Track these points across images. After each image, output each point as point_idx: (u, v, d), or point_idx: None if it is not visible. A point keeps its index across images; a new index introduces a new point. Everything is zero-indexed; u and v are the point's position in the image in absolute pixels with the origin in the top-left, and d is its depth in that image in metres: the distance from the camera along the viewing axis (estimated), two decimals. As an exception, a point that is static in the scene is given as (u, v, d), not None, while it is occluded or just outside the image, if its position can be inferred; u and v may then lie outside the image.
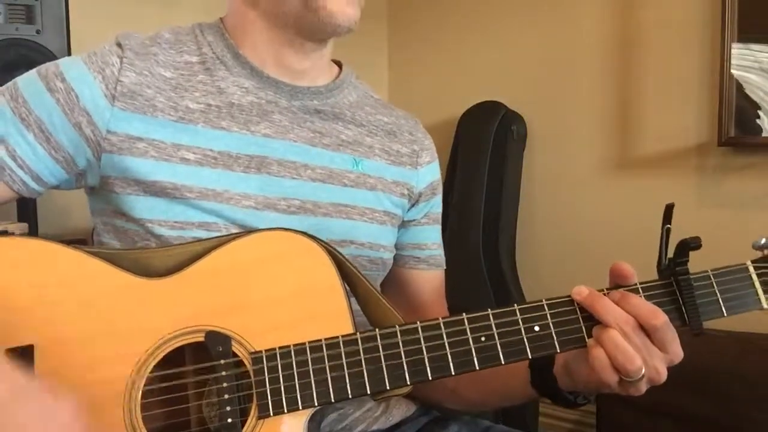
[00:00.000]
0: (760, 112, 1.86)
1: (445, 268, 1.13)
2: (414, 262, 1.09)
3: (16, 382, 0.68)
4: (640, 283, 0.80)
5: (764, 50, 1.85)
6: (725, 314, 0.79)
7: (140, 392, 0.76)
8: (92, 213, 0.99)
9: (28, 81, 0.91)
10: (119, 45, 0.92)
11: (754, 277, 0.80)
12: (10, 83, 0.92)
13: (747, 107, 1.88)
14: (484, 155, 2.34)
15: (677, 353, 0.78)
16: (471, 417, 1.08)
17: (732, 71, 1.88)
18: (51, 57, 1.67)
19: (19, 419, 0.65)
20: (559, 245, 2.34)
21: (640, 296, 0.79)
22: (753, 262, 0.81)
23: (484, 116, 2.37)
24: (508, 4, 2.43)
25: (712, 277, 0.80)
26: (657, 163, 2.10)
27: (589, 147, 2.25)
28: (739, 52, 1.87)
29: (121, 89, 0.89)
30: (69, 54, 1.72)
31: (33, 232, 1.77)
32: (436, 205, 1.12)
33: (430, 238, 1.11)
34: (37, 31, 1.70)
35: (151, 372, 0.77)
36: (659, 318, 0.76)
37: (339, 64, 1.07)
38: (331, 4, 0.91)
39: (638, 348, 0.76)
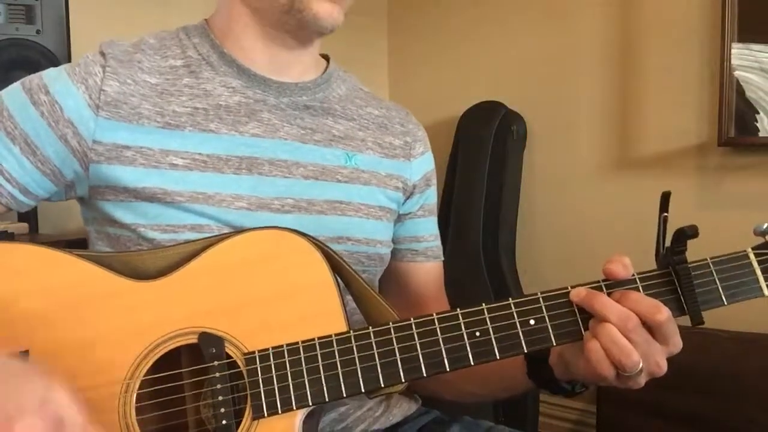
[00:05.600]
0: (760, 112, 1.86)
1: (443, 259, 1.13)
2: (412, 255, 1.09)
3: (12, 364, 0.68)
4: (638, 274, 0.79)
5: (764, 50, 1.84)
6: (725, 303, 0.78)
7: (134, 396, 0.76)
8: (85, 222, 0.99)
9: (12, 94, 0.91)
10: (102, 54, 0.92)
11: (755, 264, 0.79)
12: None
13: (747, 107, 1.87)
14: (484, 155, 2.34)
15: (677, 344, 0.78)
16: (472, 418, 1.08)
17: (732, 71, 1.88)
18: (51, 57, 1.68)
19: (16, 397, 0.64)
20: (559, 245, 2.33)
21: (639, 290, 0.78)
22: (753, 248, 0.79)
23: (484, 116, 2.37)
24: (509, 5, 2.43)
25: (711, 265, 0.78)
26: (657, 163, 2.10)
27: (589, 147, 2.25)
28: (739, 52, 1.87)
29: (104, 98, 0.89)
30: (69, 54, 1.73)
31: (33, 232, 1.77)
32: (430, 197, 1.12)
33: (426, 230, 1.11)
34: (37, 31, 1.70)
35: (145, 375, 0.77)
36: (663, 313, 0.75)
37: (327, 58, 1.07)
38: (317, 6, 0.91)
39: (637, 343, 0.75)
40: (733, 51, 1.87)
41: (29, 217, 1.77)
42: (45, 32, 1.71)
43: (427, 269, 1.11)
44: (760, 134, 1.86)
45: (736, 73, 1.88)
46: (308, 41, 0.98)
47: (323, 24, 0.93)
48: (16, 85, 0.91)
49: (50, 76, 0.91)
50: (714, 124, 1.94)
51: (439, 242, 1.13)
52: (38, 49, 1.70)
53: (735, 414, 1.67)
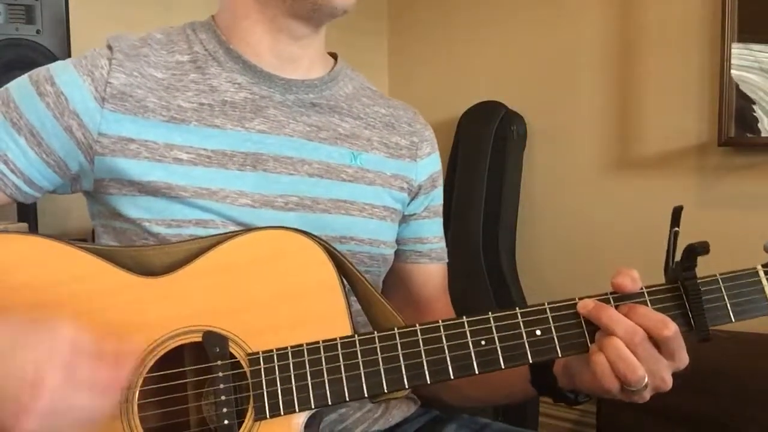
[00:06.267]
0: (760, 112, 1.86)
1: (447, 261, 1.13)
2: (416, 257, 1.09)
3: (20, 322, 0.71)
4: (646, 287, 0.79)
5: (764, 50, 1.84)
6: (733, 320, 0.78)
7: (137, 393, 0.76)
8: (91, 216, 0.98)
9: (19, 86, 0.91)
10: (109, 47, 0.92)
11: (764, 281, 0.78)
12: (1, 89, 0.92)
13: (747, 107, 1.87)
14: (484, 155, 2.34)
15: (684, 360, 0.77)
16: (470, 415, 1.08)
17: (732, 71, 1.88)
18: (51, 57, 1.67)
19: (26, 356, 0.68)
20: (559, 245, 2.33)
21: (647, 304, 0.77)
22: (764, 266, 0.79)
23: (484, 116, 2.37)
24: (509, 5, 2.43)
25: (720, 282, 0.78)
26: (657, 163, 2.10)
27: (590, 147, 2.25)
28: (739, 52, 1.87)
29: (110, 91, 0.89)
30: (69, 54, 1.73)
31: (33, 232, 1.77)
32: (436, 198, 1.11)
33: (431, 231, 1.10)
34: (37, 31, 1.70)
35: (148, 372, 0.77)
36: (670, 329, 0.75)
37: (334, 57, 1.06)
38: None
39: (643, 358, 0.75)
40: (733, 51, 1.87)
41: (29, 216, 1.77)
42: (45, 32, 1.71)
43: (431, 271, 1.10)
44: (760, 134, 1.86)
45: (736, 73, 1.88)
46: (319, 26, 0.97)
47: (336, 4, 0.92)
48: (23, 77, 0.91)
49: (57, 67, 0.91)
50: (714, 124, 1.94)
51: (443, 244, 1.12)
52: (38, 49, 1.70)
53: (735, 414, 1.67)
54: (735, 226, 1.85)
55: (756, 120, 1.87)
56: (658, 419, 1.78)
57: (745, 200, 1.94)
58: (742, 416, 1.65)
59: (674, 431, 1.77)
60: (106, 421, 0.74)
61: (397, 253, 1.07)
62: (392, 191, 1.03)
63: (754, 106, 1.87)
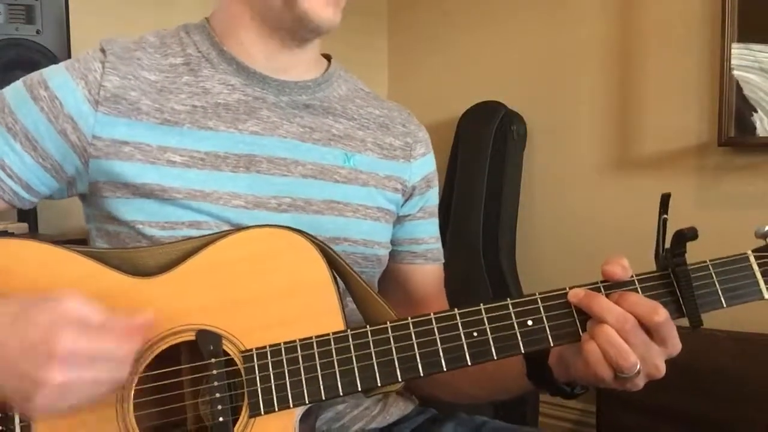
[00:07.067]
0: (760, 112, 1.86)
1: (443, 261, 1.13)
2: (411, 257, 1.09)
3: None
4: (637, 275, 0.79)
5: (764, 50, 1.84)
6: (725, 305, 0.78)
7: (132, 392, 0.76)
8: (86, 220, 0.99)
9: (13, 91, 0.91)
10: (102, 50, 0.93)
11: (755, 266, 0.78)
12: None
13: (747, 107, 1.87)
14: (484, 155, 2.34)
15: (676, 346, 0.77)
16: (468, 414, 1.08)
17: (732, 71, 1.88)
18: (51, 57, 1.68)
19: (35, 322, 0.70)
20: (559, 245, 2.33)
21: (638, 292, 0.78)
22: (754, 251, 0.79)
23: (484, 116, 2.37)
24: (509, 5, 2.43)
25: (710, 268, 0.78)
26: (657, 163, 2.10)
27: (589, 147, 2.25)
28: (739, 52, 1.87)
29: (104, 94, 0.89)
30: (69, 54, 1.73)
31: (33, 232, 1.78)
32: (431, 199, 1.11)
33: (426, 232, 1.10)
34: (37, 31, 1.71)
35: (144, 371, 0.77)
36: (660, 314, 0.75)
37: (328, 58, 1.07)
38: (309, 4, 0.91)
39: (635, 345, 0.75)
40: (733, 51, 1.87)
41: (29, 216, 1.77)
42: (45, 32, 1.71)
43: (427, 271, 1.10)
44: (760, 134, 1.86)
45: (736, 73, 1.87)
46: (306, 41, 0.98)
47: (317, 23, 0.92)
48: (17, 82, 0.92)
49: (50, 72, 0.92)
50: (714, 124, 1.94)
51: (439, 245, 1.12)
52: (38, 49, 1.71)
53: (735, 414, 1.67)
54: (734, 226, 1.84)
55: (756, 120, 1.86)
56: (657, 419, 1.78)
57: (744, 200, 1.93)
58: (742, 416, 1.65)
59: (674, 431, 1.77)
60: (102, 425, 0.74)
61: (392, 253, 1.07)
62: (386, 192, 1.03)
63: (754, 107, 1.87)
